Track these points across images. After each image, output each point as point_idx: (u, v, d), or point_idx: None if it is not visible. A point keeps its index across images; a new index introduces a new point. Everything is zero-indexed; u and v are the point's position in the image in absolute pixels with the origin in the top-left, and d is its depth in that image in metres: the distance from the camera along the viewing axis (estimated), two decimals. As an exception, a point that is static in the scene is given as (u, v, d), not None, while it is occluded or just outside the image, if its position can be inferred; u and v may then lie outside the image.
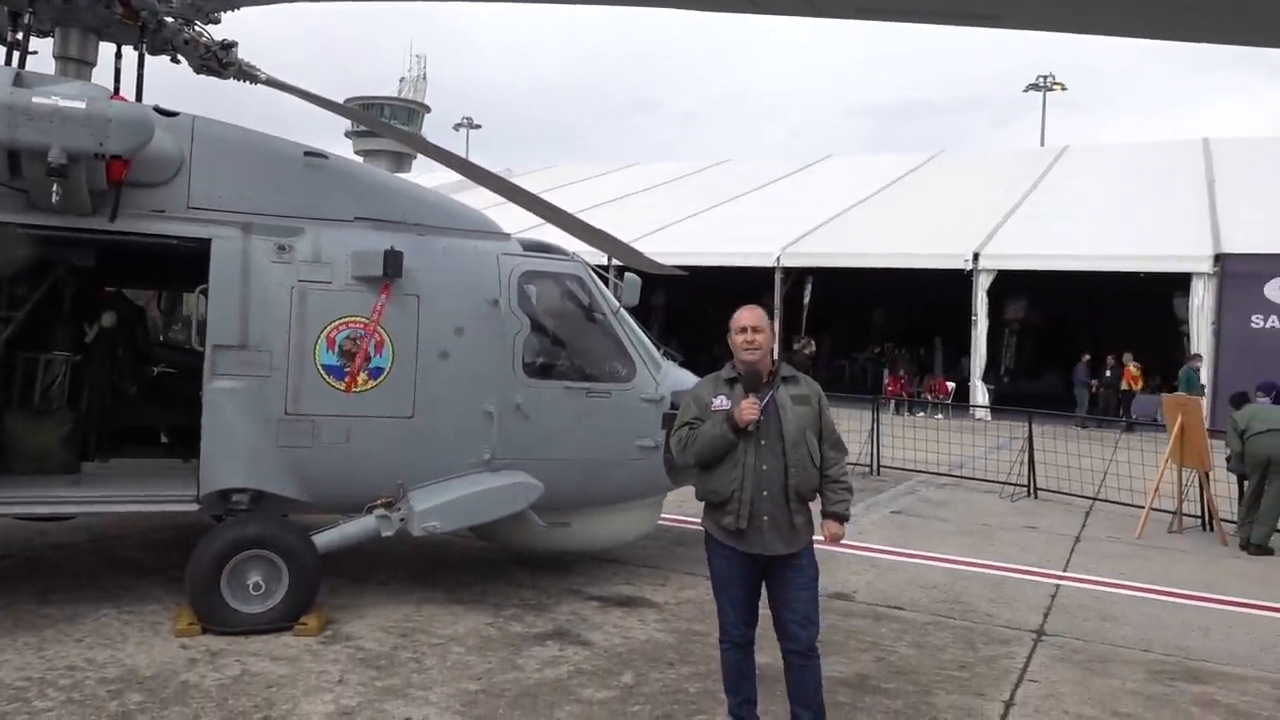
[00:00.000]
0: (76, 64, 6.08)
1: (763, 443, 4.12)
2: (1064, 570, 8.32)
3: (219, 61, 6.53)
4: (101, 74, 6.22)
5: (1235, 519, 9.89)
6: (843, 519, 4.32)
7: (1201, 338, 21.36)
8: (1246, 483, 9.71)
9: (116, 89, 6.07)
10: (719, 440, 4.12)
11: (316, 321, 5.97)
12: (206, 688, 4.82)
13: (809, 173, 36.97)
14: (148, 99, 6.15)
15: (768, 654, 4.42)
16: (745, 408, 4.07)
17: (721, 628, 4.33)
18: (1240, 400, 10.14)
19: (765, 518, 4.09)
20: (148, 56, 6.33)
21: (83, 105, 5.15)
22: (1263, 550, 9.30)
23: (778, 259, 25.34)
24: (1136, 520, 10.18)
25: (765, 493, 4.09)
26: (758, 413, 4.07)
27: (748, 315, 4.28)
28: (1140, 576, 8.17)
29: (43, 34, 6.08)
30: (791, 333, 17.14)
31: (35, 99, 5.06)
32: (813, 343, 17.07)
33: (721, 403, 4.19)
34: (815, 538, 4.24)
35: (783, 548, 4.13)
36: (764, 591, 4.30)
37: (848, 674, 5.41)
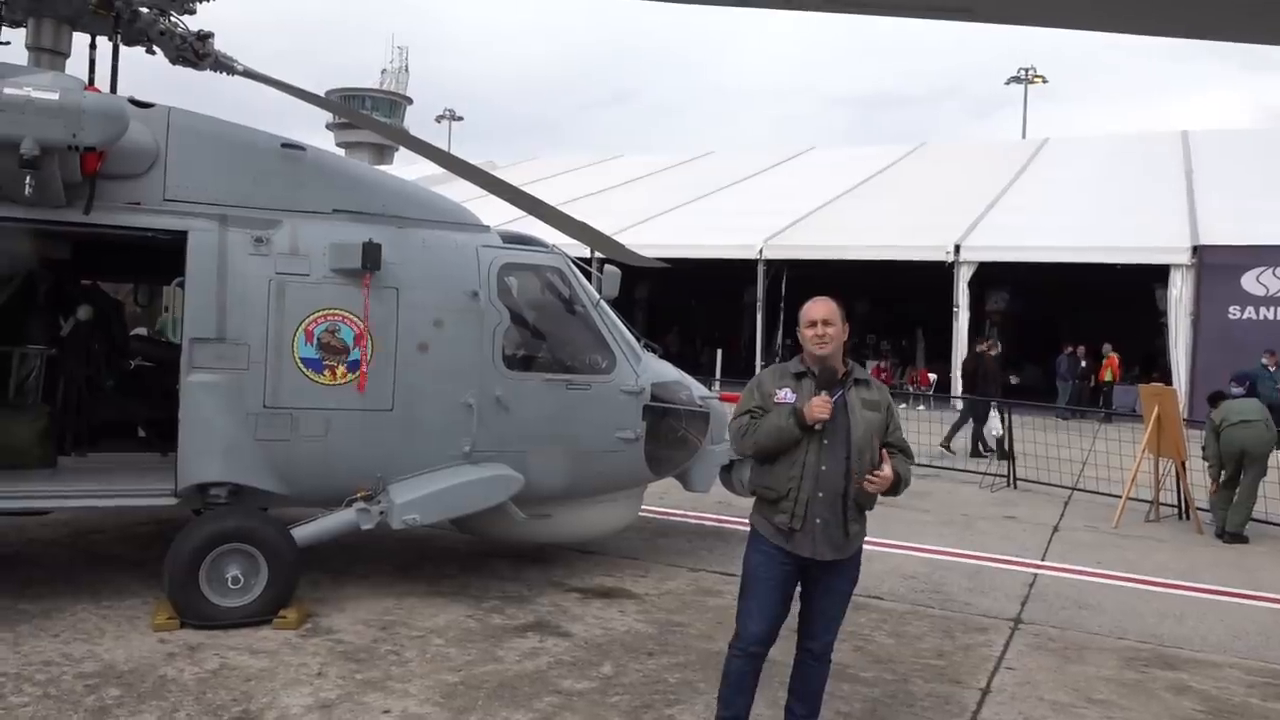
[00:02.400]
0: (50, 55, 6.01)
1: (825, 442, 3.89)
2: (1042, 559, 8.40)
3: (195, 53, 6.48)
4: (76, 65, 6.17)
5: (1209, 507, 9.99)
6: (896, 471, 3.93)
7: (1179, 329, 21.56)
8: (1223, 473, 9.81)
9: (91, 80, 6.02)
10: (784, 433, 3.89)
11: (295, 314, 5.94)
12: (185, 682, 4.81)
13: (791, 165, 37.01)
14: (122, 90, 6.10)
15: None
16: (817, 405, 3.83)
17: (738, 633, 4.05)
18: (1217, 398, 10.24)
19: (818, 520, 3.89)
20: (122, 47, 6.27)
21: (56, 96, 5.11)
22: (1238, 538, 9.42)
23: (760, 251, 25.40)
24: (1114, 510, 10.28)
25: (821, 494, 3.89)
26: (829, 411, 3.84)
27: (818, 308, 4.02)
28: (1117, 565, 8.26)
29: (15, 24, 6.02)
30: (976, 335, 16.56)
31: (7, 90, 5.02)
32: (999, 344, 16.59)
33: (787, 396, 3.96)
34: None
35: (831, 554, 3.93)
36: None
37: (826, 663, 5.44)
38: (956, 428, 15.43)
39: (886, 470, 3.89)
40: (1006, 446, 13.05)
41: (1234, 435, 9.58)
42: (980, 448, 14.87)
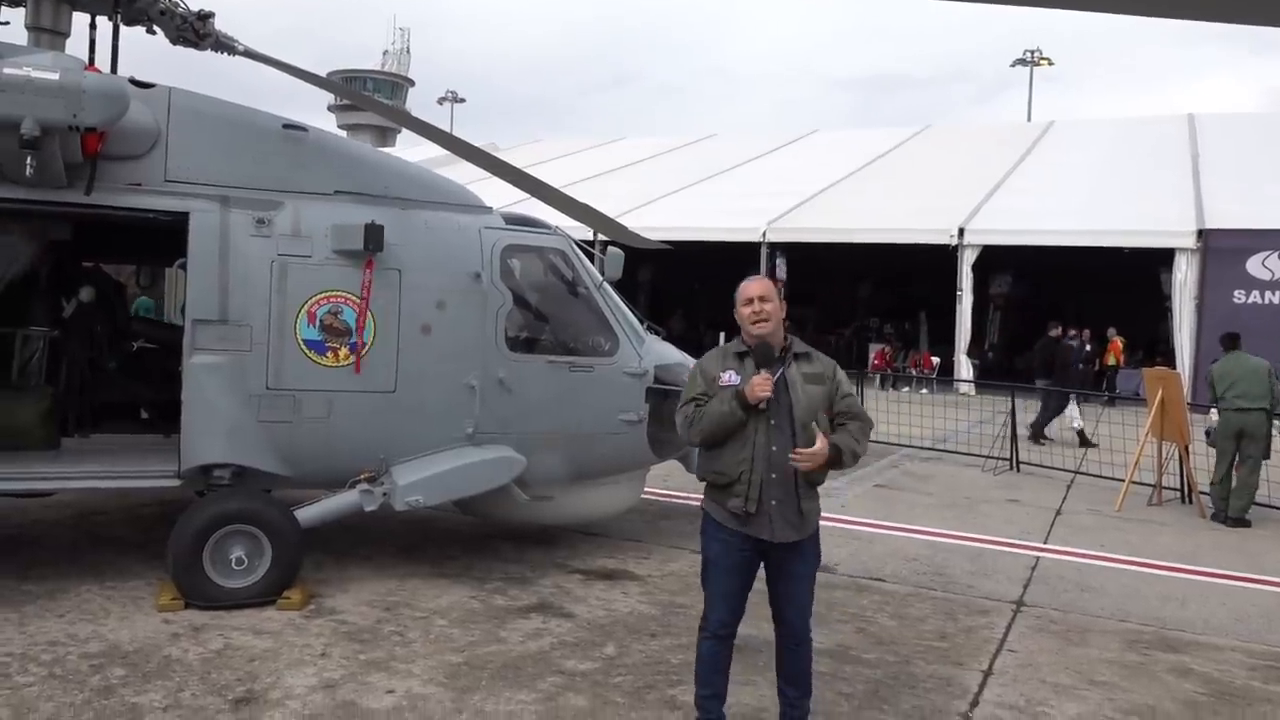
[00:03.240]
0: (50, 34, 5.97)
1: (772, 422, 3.85)
2: (1044, 542, 8.40)
3: (196, 32, 6.44)
4: (75, 45, 6.13)
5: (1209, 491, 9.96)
6: (836, 446, 3.83)
7: (1184, 313, 21.50)
8: (1217, 448, 9.82)
9: (91, 60, 5.99)
10: (728, 418, 3.84)
11: (297, 296, 5.93)
12: (189, 662, 4.82)
13: (795, 147, 36.89)
14: (123, 71, 6.06)
15: (749, 624, 4.39)
16: (757, 384, 3.77)
17: (705, 618, 4.06)
18: (1231, 343, 10.13)
19: (773, 502, 3.85)
20: (123, 27, 6.23)
21: (56, 76, 5.08)
22: (1240, 523, 9.42)
23: (764, 234, 25.34)
24: (1117, 493, 10.28)
25: (774, 475, 3.84)
26: (770, 389, 3.79)
27: (755, 286, 4.00)
28: (1119, 548, 8.26)
29: (14, 3, 5.98)
30: (1050, 320, 16.32)
31: (7, 70, 4.99)
32: (1086, 331, 16.35)
33: (730, 378, 3.92)
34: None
35: (790, 534, 3.89)
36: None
37: (829, 644, 5.45)
38: (1045, 418, 14.84)
39: (819, 445, 3.77)
40: (1089, 436, 12.76)
41: (1232, 419, 9.63)
42: (1042, 436, 14.48)
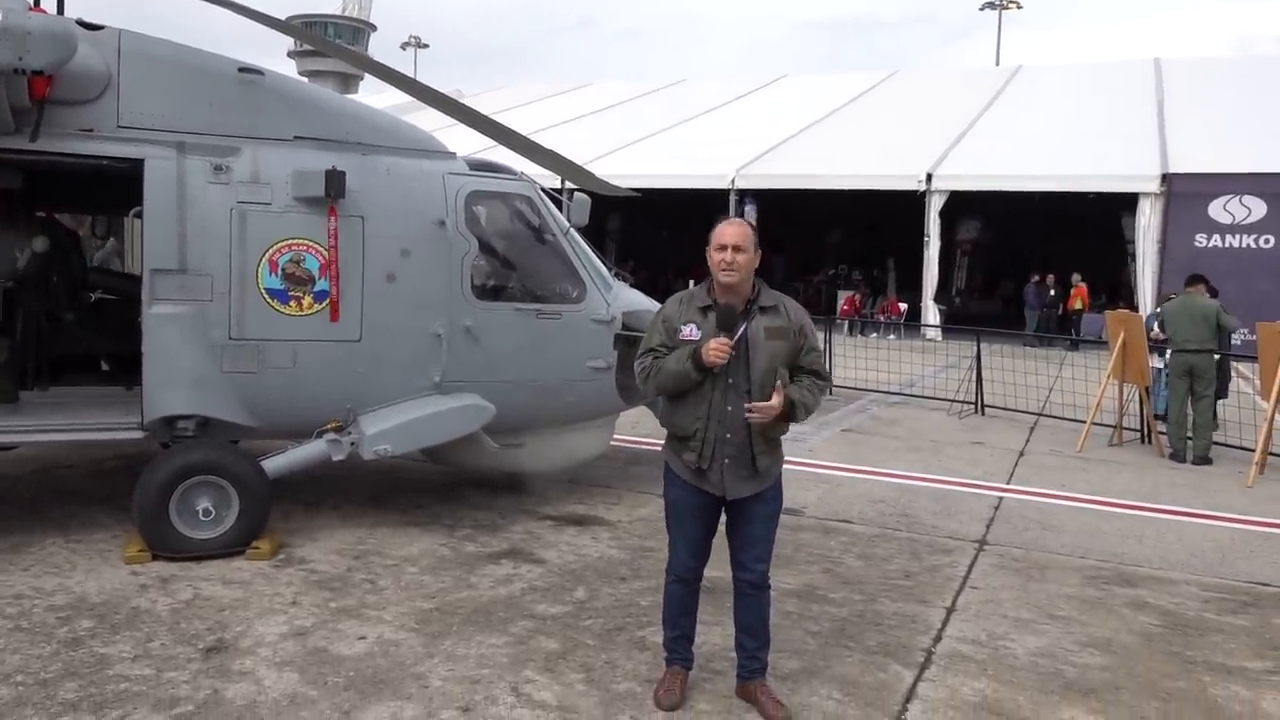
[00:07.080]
0: (-9, -26, 5.75)
1: (730, 381, 3.77)
2: (1007, 483, 8.55)
3: (145, -29, 6.23)
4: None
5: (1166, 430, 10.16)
6: (790, 400, 3.78)
7: (1146, 257, 21.74)
8: (1170, 387, 10.03)
9: (36, 1, 5.78)
10: (683, 378, 3.77)
11: (257, 244, 5.83)
12: (158, 612, 4.81)
13: (764, 93, 36.59)
14: (70, 12, 5.86)
15: (717, 569, 4.44)
16: (714, 348, 3.67)
17: (670, 562, 4.07)
18: (1191, 283, 10.29)
19: (725, 460, 3.81)
20: (69, -34, 6.01)
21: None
22: (1204, 460, 9.64)
23: (732, 181, 25.22)
24: (1078, 435, 10.46)
25: (728, 435, 3.79)
26: (727, 355, 3.69)
27: (730, 231, 3.81)
28: (1080, 488, 8.43)
29: (-47, -59, 5.73)
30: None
31: (-54, 10, 4.81)
32: (1051, 276, 15.49)
33: (692, 332, 3.81)
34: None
35: (743, 490, 3.87)
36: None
37: (796, 585, 5.54)
38: None
39: (774, 400, 3.73)
40: None
41: (1183, 358, 9.88)
42: None
